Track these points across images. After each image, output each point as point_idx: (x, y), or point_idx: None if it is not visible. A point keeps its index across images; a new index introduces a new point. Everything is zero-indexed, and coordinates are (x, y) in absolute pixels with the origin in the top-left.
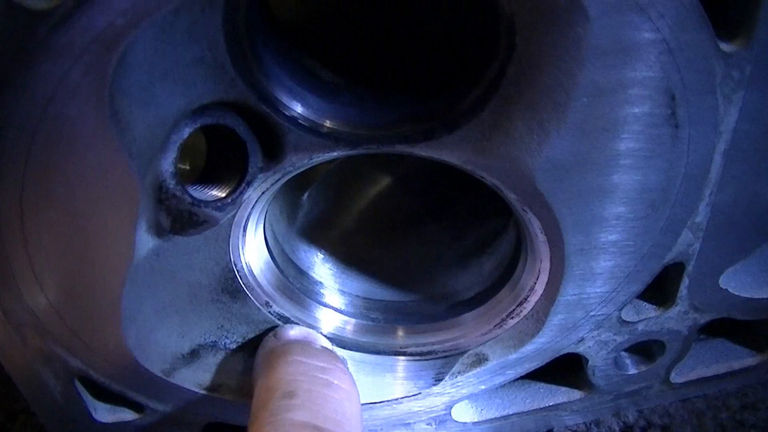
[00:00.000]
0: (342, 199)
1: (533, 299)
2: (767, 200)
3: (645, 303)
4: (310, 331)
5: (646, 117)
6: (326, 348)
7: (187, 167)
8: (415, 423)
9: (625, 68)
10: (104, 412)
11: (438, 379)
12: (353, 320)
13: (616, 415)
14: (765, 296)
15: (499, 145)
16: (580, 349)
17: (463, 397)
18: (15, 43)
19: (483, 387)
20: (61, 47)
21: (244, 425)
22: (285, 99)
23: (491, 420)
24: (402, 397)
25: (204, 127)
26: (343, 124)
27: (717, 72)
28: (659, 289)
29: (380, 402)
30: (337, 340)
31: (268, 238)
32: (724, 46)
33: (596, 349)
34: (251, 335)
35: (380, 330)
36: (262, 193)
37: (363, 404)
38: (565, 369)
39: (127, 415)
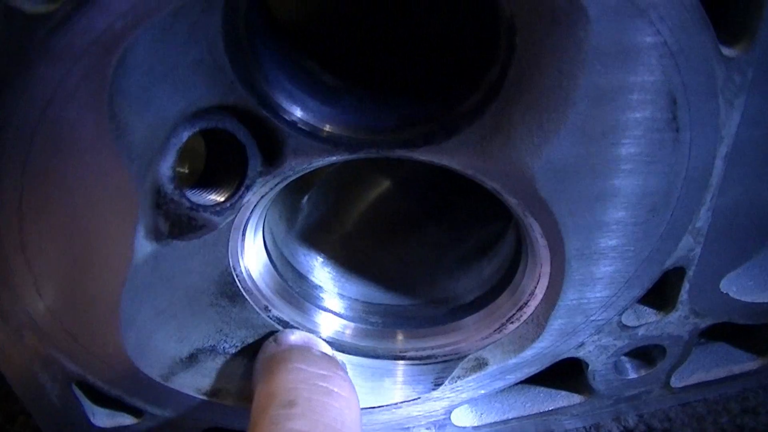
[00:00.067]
0: (342, 202)
1: (533, 304)
2: None
3: (645, 308)
4: (311, 336)
5: (647, 121)
6: (326, 354)
7: (186, 170)
8: (414, 428)
9: (626, 71)
10: (102, 417)
11: (437, 384)
12: (352, 324)
13: (616, 419)
14: (766, 300)
15: (500, 148)
16: (581, 354)
17: (462, 402)
18: (13, 46)
19: (483, 391)
20: (60, 50)
21: (243, 430)
22: (285, 103)
23: (491, 424)
24: (401, 402)
25: (203, 131)
26: (342, 129)
27: (719, 76)
28: (660, 294)
29: (379, 406)
30: (337, 344)
31: (267, 242)
32: (726, 50)
33: (596, 353)
34: (250, 340)
35: (379, 334)
36: (262, 197)
37: (362, 409)
38: (565, 373)
39: (126, 419)
